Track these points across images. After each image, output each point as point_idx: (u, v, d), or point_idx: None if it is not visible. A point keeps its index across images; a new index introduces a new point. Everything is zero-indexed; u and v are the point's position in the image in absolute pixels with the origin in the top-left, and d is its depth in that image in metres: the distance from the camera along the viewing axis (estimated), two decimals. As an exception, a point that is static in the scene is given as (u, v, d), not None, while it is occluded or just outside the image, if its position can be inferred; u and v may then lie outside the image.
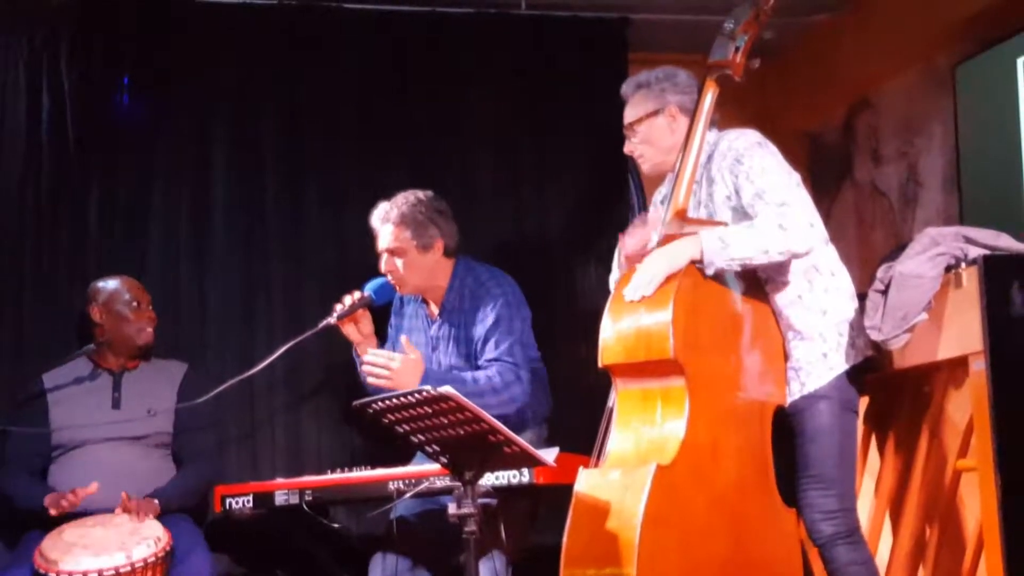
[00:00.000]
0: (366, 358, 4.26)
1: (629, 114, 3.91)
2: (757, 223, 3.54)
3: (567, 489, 3.50)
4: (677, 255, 3.54)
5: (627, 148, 3.94)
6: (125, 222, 4.90)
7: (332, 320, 4.34)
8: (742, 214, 3.64)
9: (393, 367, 4.19)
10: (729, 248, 3.50)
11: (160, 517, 4.18)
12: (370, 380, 4.23)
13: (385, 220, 4.40)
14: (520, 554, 4.17)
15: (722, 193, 3.71)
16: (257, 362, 4.45)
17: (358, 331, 4.41)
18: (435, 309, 4.51)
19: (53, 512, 4.11)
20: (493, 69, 5.30)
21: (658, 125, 3.87)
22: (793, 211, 3.53)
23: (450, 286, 4.45)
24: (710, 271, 3.54)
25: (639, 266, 3.59)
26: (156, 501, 4.24)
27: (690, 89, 3.86)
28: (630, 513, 3.30)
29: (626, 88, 3.94)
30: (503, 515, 3.92)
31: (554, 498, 3.79)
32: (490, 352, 4.33)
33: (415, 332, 4.49)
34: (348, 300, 4.36)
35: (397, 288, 4.44)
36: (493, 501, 3.94)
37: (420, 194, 4.45)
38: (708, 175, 3.76)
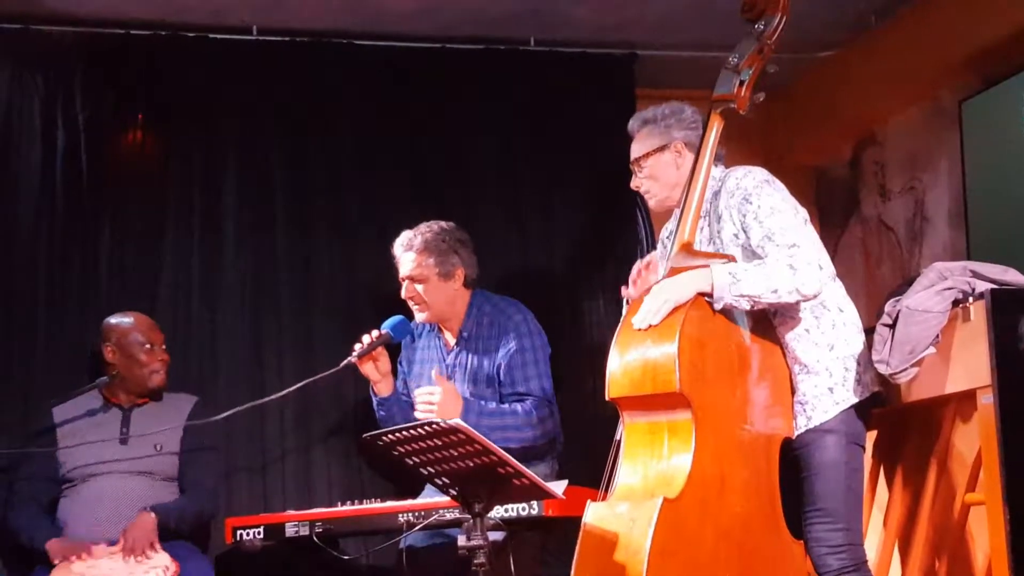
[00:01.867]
0: (417, 398, 4.30)
1: (635, 150, 3.93)
2: (768, 262, 3.55)
3: (576, 521, 3.51)
4: (686, 286, 3.55)
5: (633, 183, 3.96)
6: (137, 256, 4.92)
7: (353, 359, 4.39)
8: (750, 253, 3.65)
9: (435, 400, 4.24)
10: (739, 284, 3.51)
11: (168, 546, 4.18)
12: (418, 414, 4.26)
13: (408, 248, 4.46)
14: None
15: (729, 231, 3.72)
16: (268, 394, 4.48)
17: (376, 369, 4.46)
18: (451, 339, 4.54)
19: (56, 561, 4.10)
20: (501, 104, 5.33)
21: (664, 161, 3.89)
22: (803, 253, 3.54)
23: (467, 314, 4.50)
24: (718, 306, 3.55)
25: (647, 296, 3.60)
26: (152, 514, 4.22)
27: (696, 125, 3.88)
28: (637, 546, 3.29)
29: (632, 124, 3.96)
30: (512, 548, 3.92)
31: (562, 531, 3.80)
32: (520, 385, 4.38)
33: (428, 364, 4.52)
34: (367, 339, 4.41)
35: (417, 315, 4.48)
36: (501, 535, 3.95)
37: (443, 224, 4.52)
38: (715, 212, 3.77)
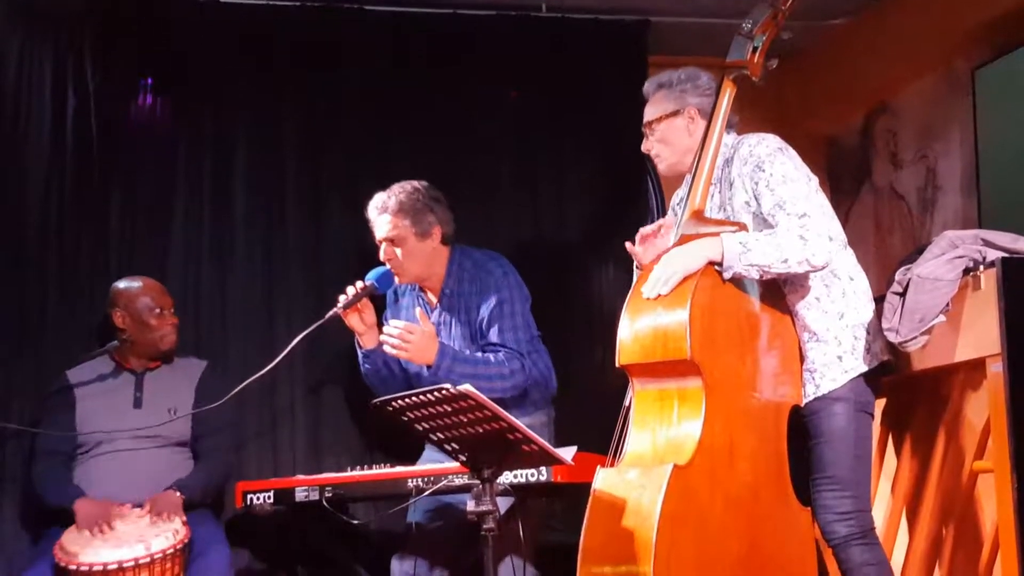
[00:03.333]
0: (386, 328, 4.33)
1: (649, 112, 3.93)
2: (778, 232, 3.55)
3: (585, 488, 3.52)
4: (696, 254, 3.55)
5: (645, 146, 3.96)
6: (147, 220, 4.92)
7: (338, 310, 4.41)
8: (761, 221, 3.65)
9: (412, 339, 4.25)
10: (749, 253, 3.51)
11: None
12: (387, 348, 4.30)
13: (383, 210, 4.47)
14: (536, 553, 4.19)
15: (741, 199, 3.72)
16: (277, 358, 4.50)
17: (362, 321, 4.48)
18: (433, 297, 4.55)
19: (82, 527, 4.10)
20: (512, 70, 5.31)
21: (676, 126, 3.89)
22: (814, 223, 3.54)
23: (448, 272, 4.52)
24: (728, 275, 3.55)
25: (657, 265, 3.60)
26: (178, 493, 4.27)
27: (710, 92, 3.87)
28: (647, 512, 3.31)
29: (648, 87, 3.96)
30: (520, 515, 3.95)
31: (571, 497, 3.81)
32: (494, 337, 4.40)
33: (414, 322, 4.51)
34: (351, 290, 4.43)
35: (397, 277, 4.48)
36: (511, 500, 3.97)
37: (416, 183, 4.52)
38: (727, 179, 3.76)
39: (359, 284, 4.44)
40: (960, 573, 4.01)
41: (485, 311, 4.43)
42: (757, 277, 3.58)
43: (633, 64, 5.38)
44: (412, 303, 4.61)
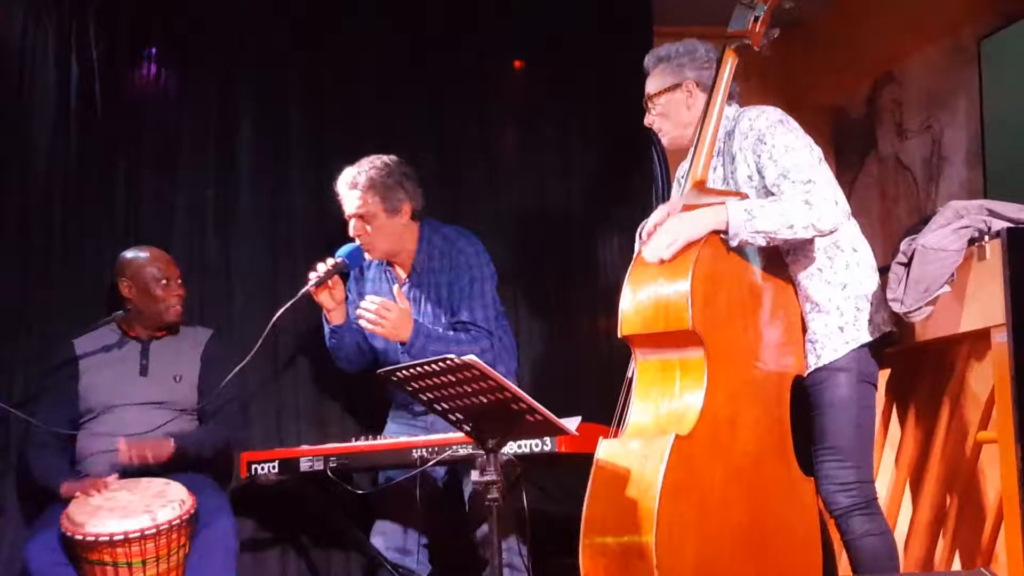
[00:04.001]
0: (362, 304, 4.33)
1: (649, 87, 3.92)
2: (783, 199, 3.53)
3: (588, 458, 3.53)
4: (700, 221, 3.54)
5: (647, 120, 3.95)
6: (152, 187, 4.91)
7: (310, 288, 4.42)
8: (764, 194, 3.64)
9: (389, 316, 4.27)
10: (755, 220, 3.50)
11: (184, 479, 4.21)
12: (362, 324, 4.31)
13: (353, 185, 4.47)
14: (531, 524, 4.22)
15: (743, 173, 3.71)
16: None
17: (332, 298, 4.49)
18: (403, 273, 4.55)
19: (74, 494, 4.13)
20: (518, 41, 5.29)
21: (675, 100, 3.87)
22: (819, 188, 3.53)
23: (418, 248, 4.53)
24: (734, 242, 3.54)
25: (660, 228, 3.59)
26: (171, 440, 4.27)
27: (709, 64, 3.84)
28: (649, 483, 3.32)
29: (647, 61, 3.94)
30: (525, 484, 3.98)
31: (574, 466, 3.82)
32: (464, 315, 4.41)
33: (381, 296, 4.49)
34: (322, 267, 4.44)
35: (367, 253, 4.48)
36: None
37: (386, 158, 4.52)
38: (729, 152, 3.75)
39: (329, 261, 4.45)
40: (964, 544, 4.02)
41: (456, 289, 4.44)
42: (763, 244, 3.57)
43: (638, 35, 5.35)
44: (379, 277, 4.62)
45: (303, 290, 4.41)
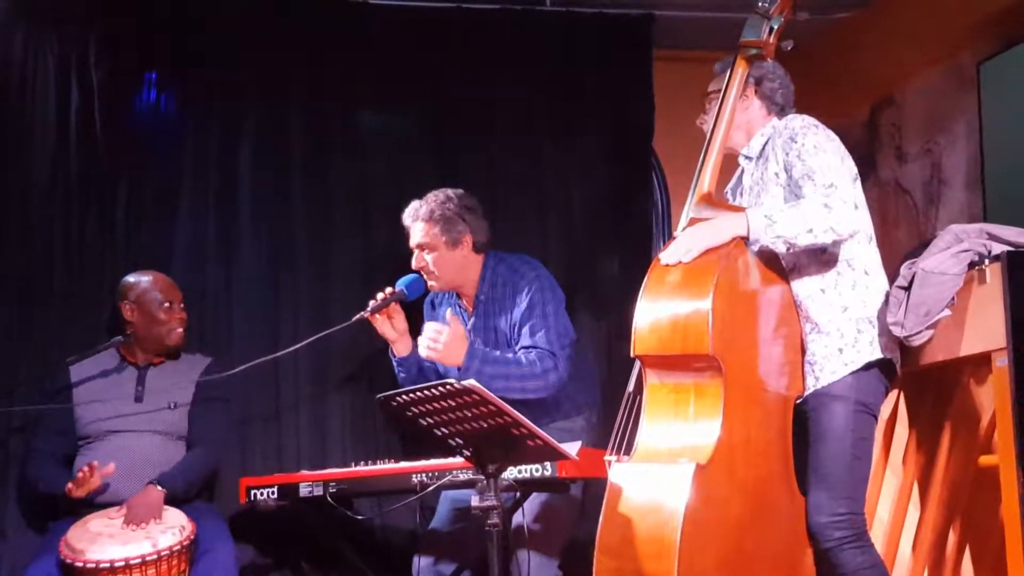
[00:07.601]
0: (425, 330, 4.31)
1: (712, 85, 3.91)
2: (803, 203, 3.53)
3: (589, 483, 3.51)
4: (721, 228, 3.53)
5: (699, 121, 3.94)
6: (153, 214, 4.92)
7: (365, 314, 4.41)
8: (789, 192, 3.64)
9: (441, 339, 4.25)
10: (775, 226, 3.49)
11: (184, 506, 4.21)
12: (421, 351, 4.30)
13: (415, 218, 4.49)
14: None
15: (772, 169, 3.70)
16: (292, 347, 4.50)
17: (392, 327, 4.48)
18: (469, 305, 4.56)
19: (77, 493, 4.13)
20: (518, 64, 5.31)
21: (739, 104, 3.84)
22: (840, 192, 3.52)
23: (482, 278, 4.51)
24: (755, 248, 3.53)
25: (680, 234, 3.57)
26: (159, 488, 4.23)
27: (774, 76, 3.88)
28: (670, 513, 3.28)
29: (716, 66, 3.94)
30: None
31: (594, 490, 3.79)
32: (526, 339, 4.37)
33: None
34: (380, 295, 4.43)
35: (429, 284, 4.49)
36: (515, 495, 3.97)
37: (450, 192, 4.52)
38: (764, 156, 3.77)
39: (388, 289, 4.45)
40: (966, 568, 4.00)
41: (517, 315, 4.43)
42: (783, 250, 3.55)
43: (638, 58, 5.38)
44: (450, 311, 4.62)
45: (358, 315, 4.41)
